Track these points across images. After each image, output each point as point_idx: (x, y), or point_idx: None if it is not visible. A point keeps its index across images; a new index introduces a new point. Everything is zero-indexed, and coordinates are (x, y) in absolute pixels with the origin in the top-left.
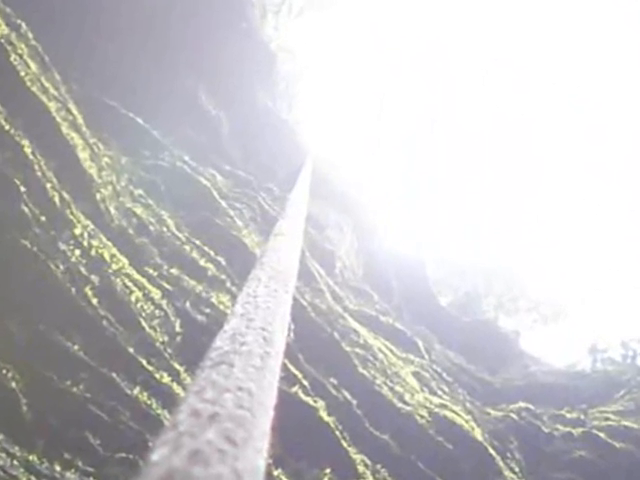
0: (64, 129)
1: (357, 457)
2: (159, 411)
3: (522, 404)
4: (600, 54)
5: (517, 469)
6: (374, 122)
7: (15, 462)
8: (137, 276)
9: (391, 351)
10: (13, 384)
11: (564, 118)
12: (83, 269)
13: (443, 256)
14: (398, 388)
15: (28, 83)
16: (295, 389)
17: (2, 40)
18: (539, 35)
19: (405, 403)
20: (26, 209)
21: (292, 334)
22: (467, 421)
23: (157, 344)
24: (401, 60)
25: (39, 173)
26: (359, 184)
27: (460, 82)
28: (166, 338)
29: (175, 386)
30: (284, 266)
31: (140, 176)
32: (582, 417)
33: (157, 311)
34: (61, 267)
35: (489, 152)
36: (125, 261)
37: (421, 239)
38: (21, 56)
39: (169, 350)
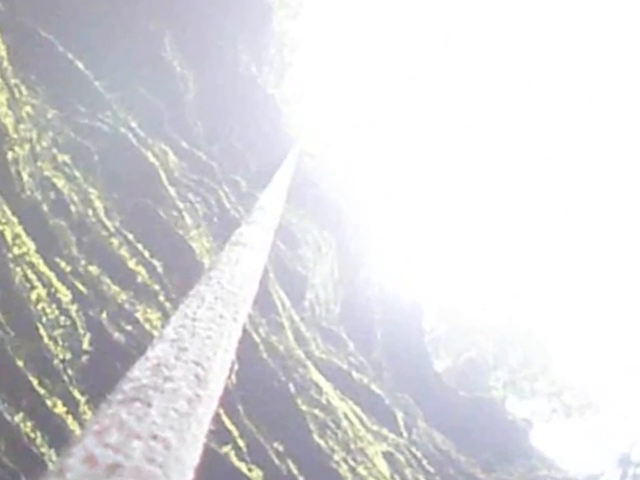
0: None
1: None
2: (44, 449)
3: None
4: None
5: None
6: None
7: None
8: (43, 268)
9: (360, 420)
10: None
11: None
12: None
13: (447, 306)
14: (361, 470)
15: None
16: (227, 449)
17: None
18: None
19: None
20: None
21: (234, 377)
22: None
23: (55, 361)
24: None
25: None
26: (352, 195)
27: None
28: (68, 355)
29: (70, 420)
30: (238, 286)
31: (69, 138)
32: None
33: (62, 318)
34: None
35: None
36: (31, 246)
37: (421, 280)
38: None
39: (70, 371)
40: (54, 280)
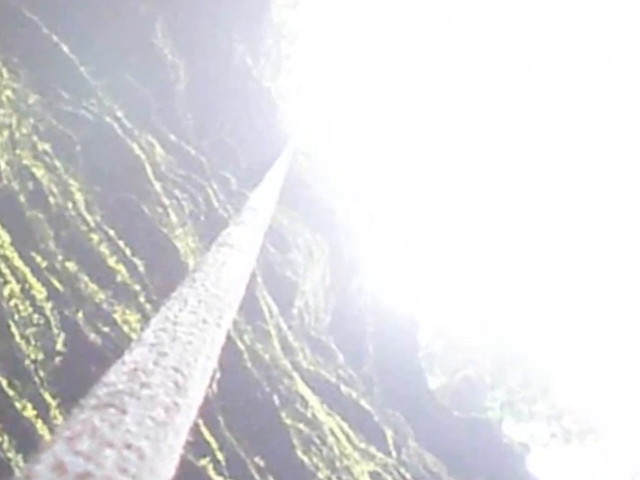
0: None
1: None
2: (11, 454)
3: None
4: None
5: None
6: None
7: None
8: (18, 262)
9: (347, 437)
10: None
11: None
12: None
13: (443, 322)
14: None
15: None
16: (204, 462)
17: None
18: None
19: None
20: None
21: (215, 386)
22: None
23: (26, 362)
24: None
25: None
26: (348, 198)
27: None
28: (41, 356)
29: (40, 424)
30: (223, 290)
31: (50, 125)
32: None
33: (36, 316)
34: None
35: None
36: (6, 239)
37: (418, 292)
38: None
39: (42, 373)
40: (29, 276)
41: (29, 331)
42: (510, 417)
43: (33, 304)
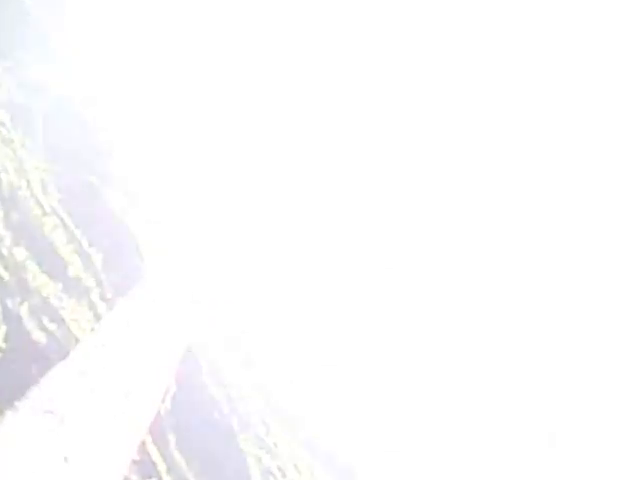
0: None
1: None
2: None
3: None
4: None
5: None
6: None
7: None
8: None
9: (311, 472)
10: None
11: None
12: None
13: None
14: None
15: None
16: None
17: None
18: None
19: None
20: None
21: (169, 401)
22: None
23: None
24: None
25: None
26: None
27: None
28: None
29: None
30: (191, 293)
31: (9, 93)
32: None
33: None
34: None
35: None
36: None
37: None
38: None
39: None
40: None
41: None
42: None
43: None
